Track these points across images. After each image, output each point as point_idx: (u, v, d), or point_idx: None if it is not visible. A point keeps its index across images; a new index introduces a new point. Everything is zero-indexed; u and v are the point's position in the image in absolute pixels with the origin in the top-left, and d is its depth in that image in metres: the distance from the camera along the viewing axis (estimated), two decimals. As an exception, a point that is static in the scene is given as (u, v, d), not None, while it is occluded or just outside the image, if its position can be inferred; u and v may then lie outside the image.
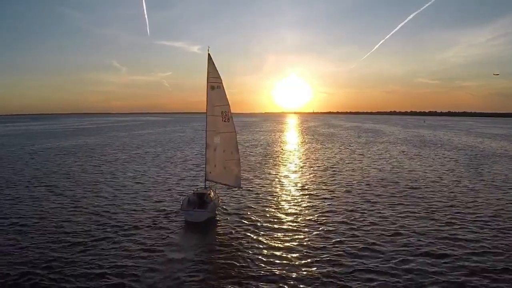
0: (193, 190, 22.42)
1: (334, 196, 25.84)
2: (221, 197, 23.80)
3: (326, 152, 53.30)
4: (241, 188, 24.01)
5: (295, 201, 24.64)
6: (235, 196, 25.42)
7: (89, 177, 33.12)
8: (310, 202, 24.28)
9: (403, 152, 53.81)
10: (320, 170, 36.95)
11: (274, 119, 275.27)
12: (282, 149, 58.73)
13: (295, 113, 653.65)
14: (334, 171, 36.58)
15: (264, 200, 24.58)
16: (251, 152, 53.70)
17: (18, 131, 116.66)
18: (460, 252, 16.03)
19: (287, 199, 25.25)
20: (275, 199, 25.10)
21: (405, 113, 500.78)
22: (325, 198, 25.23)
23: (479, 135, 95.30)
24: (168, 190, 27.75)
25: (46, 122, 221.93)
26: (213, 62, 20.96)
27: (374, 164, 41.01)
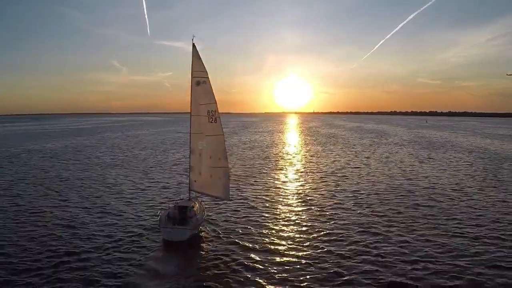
0: (174, 202, 18.92)
1: (341, 209, 22.26)
2: (207, 210, 20.26)
3: (329, 155, 49.72)
4: (230, 200, 20.53)
5: (295, 216, 21.02)
6: (223, 208, 21.85)
7: (64, 184, 29.65)
8: (312, 217, 20.70)
9: (412, 155, 50.22)
10: (323, 177, 33.17)
11: (275, 119, 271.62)
12: (281, 152, 55.16)
13: (295, 113, 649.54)
14: (339, 177, 32.92)
15: (258, 215, 20.95)
16: (247, 155, 50.17)
17: (13, 132, 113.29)
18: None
19: (285, 213, 21.60)
20: (271, 213, 21.39)
21: (406, 113, 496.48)
22: (330, 212, 21.62)
23: (485, 136, 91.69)
24: (150, 200, 24.24)
25: (45, 122, 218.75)
26: (198, 54, 18.22)
27: (383, 169, 37.41)
